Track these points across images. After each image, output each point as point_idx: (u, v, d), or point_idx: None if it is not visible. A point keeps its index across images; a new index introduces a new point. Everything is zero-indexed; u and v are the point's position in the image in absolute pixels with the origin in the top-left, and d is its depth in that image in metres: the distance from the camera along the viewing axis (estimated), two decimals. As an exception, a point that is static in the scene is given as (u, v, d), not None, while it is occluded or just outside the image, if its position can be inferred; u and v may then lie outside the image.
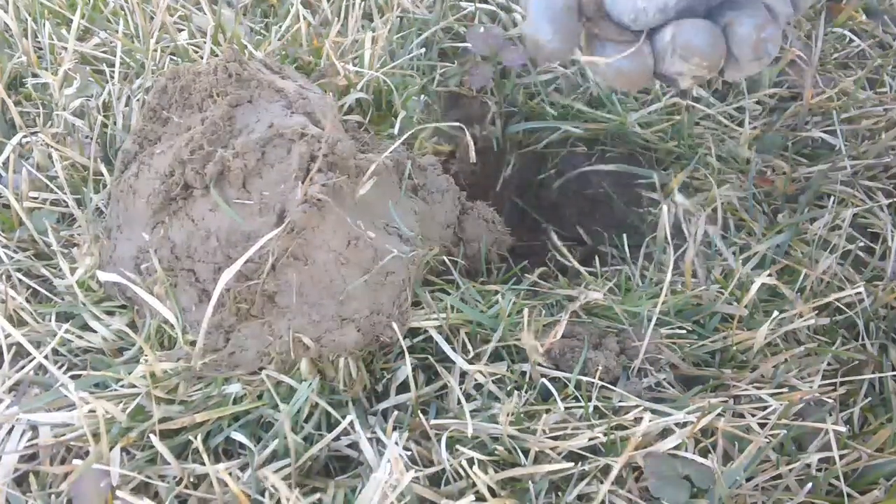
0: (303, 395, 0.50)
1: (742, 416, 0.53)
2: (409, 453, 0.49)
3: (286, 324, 0.51)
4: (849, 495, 0.50)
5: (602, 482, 0.48)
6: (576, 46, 0.43)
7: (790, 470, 0.51)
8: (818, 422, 0.53)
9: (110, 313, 0.57)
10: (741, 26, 0.40)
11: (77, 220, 0.62)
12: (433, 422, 0.51)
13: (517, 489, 0.49)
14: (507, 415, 0.51)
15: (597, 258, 0.69)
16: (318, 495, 0.47)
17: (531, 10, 0.42)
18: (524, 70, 0.83)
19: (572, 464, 0.48)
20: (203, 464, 0.47)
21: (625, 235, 0.69)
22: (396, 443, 0.48)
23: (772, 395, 0.54)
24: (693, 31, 0.40)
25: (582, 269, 0.65)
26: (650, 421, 0.50)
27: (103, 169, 0.65)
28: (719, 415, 0.52)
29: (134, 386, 0.51)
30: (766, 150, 0.78)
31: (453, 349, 0.55)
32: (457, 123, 0.72)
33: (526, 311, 0.55)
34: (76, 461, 0.47)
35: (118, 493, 0.46)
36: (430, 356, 0.55)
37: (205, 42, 0.78)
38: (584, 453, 0.50)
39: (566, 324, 0.58)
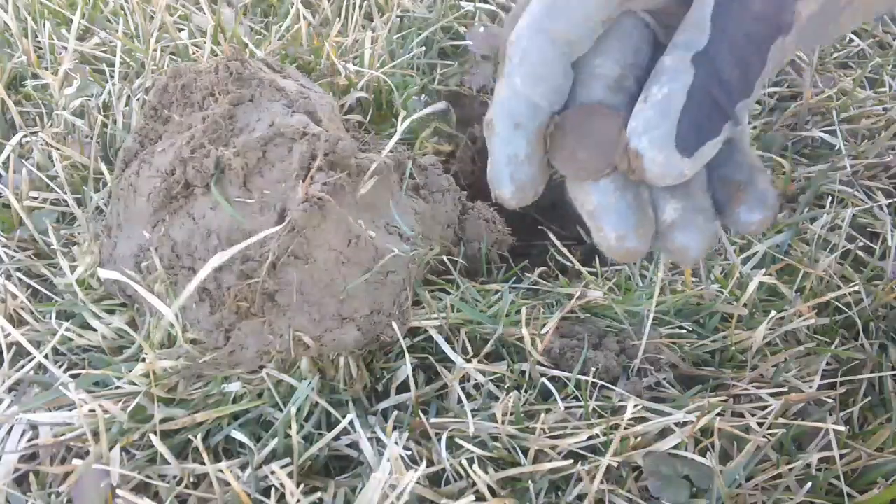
0: (303, 394, 0.50)
1: (742, 415, 0.53)
2: (409, 453, 0.49)
3: (286, 322, 0.51)
4: (849, 495, 0.50)
5: (602, 482, 0.49)
6: (539, 194, 0.38)
7: (790, 469, 0.51)
8: (818, 421, 0.53)
9: (110, 312, 0.57)
10: (749, 214, 0.37)
11: (77, 219, 0.62)
12: (433, 421, 0.51)
13: (517, 488, 0.49)
14: (505, 414, 0.51)
15: (597, 258, 0.69)
16: (318, 494, 0.47)
17: (492, 156, 0.37)
18: None
19: (571, 461, 0.48)
20: (203, 463, 0.47)
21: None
22: (396, 442, 0.48)
23: (771, 394, 0.54)
24: (691, 237, 0.36)
25: (582, 268, 0.65)
26: (650, 421, 0.50)
27: (103, 168, 0.65)
28: (719, 414, 0.52)
29: (134, 384, 0.51)
30: (766, 149, 0.78)
31: (453, 349, 0.55)
32: (443, 105, 0.72)
33: (524, 309, 0.55)
34: (76, 461, 0.47)
35: (118, 492, 0.46)
36: (430, 356, 0.55)
37: (205, 42, 0.78)
38: (584, 453, 0.50)
39: (566, 324, 0.58)
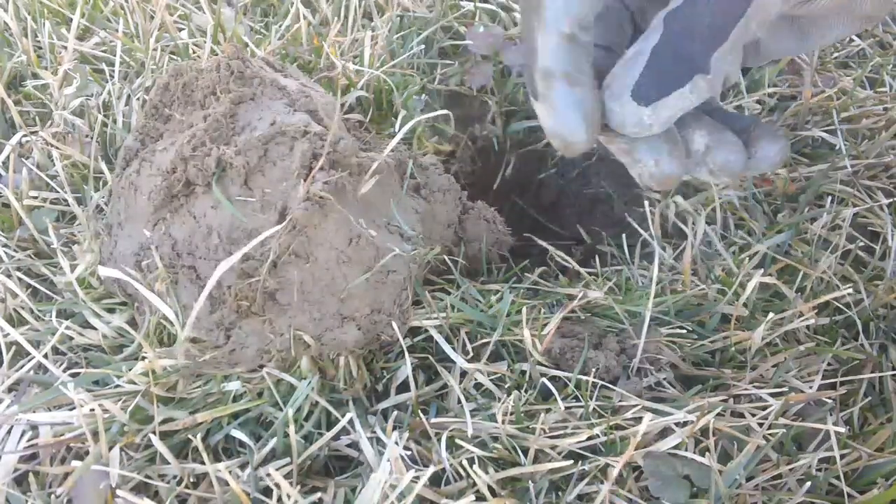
0: (303, 394, 0.50)
1: (742, 415, 0.53)
2: (409, 453, 0.49)
3: (287, 321, 0.51)
4: (849, 495, 0.50)
5: (602, 482, 0.48)
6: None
7: (790, 470, 0.51)
8: (818, 422, 0.53)
9: (110, 310, 0.57)
10: (770, 146, 0.41)
11: (77, 218, 0.62)
12: (433, 421, 0.51)
13: (517, 489, 0.48)
14: (505, 414, 0.51)
15: (597, 258, 0.69)
16: (318, 494, 0.47)
17: (556, 105, 0.40)
18: (524, 69, 0.83)
19: (572, 461, 0.48)
20: (203, 462, 0.47)
21: (624, 235, 0.69)
22: (396, 442, 0.48)
23: (771, 394, 0.54)
24: (729, 153, 0.40)
25: (581, 269, 0.65)
26: (650, 420, 0.50)
27: (104, 167, 0.65)
28: (719, 414, 0.52)
29: (134, 383, 0.51)
30: (766, 149, 0.78)
31: (453, 349, 0.55)
32: (445, 111, 0.72)
33: (525, 309, 0.55)
34: (75, 462, 0.47)
35: (118, 492, 0.46)
36: (430, 356, 0.55)
37: (205, 41, 0.78)
38: (584, 453, 0.50)
39: (567, 324, 0.58)
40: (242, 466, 0.49)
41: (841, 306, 0.64)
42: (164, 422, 0.49)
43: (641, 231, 0.69)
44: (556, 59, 0.39)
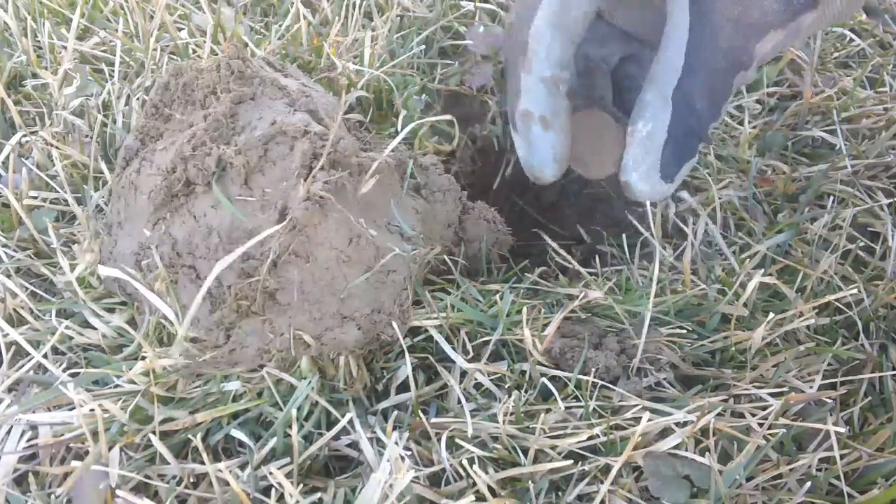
0: (303, 394, 0.50)
1: (742, 415, 0.53)
2: (409, 453, 0.49)
3: (287, 321, 0.51)
4: (849, 495, 0.50)
5: (602, 482, 0.48)
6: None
7: (790, 470, 0.51)
8: (818, 422, 0.53)
9: (110, 310, 0.57)
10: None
11: (77, 217, 0.62)
12: (433, 421, 0.51)
13: (517, 489, 0.48)
14: (506, 414, 0.51)
15: (597, 257, 0.69)
16: (318, 495, 0.47)
17: (531, 143, 0.45)
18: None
19: (572, 461, 0.48)
20: (203, 462, 0.47)
21: (624, 235, 0.69)
22: (396, 442, 0.48)
23: (771, 394, 0.54)
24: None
25: (582, 269, 0.65)
26: (650, 420, 0.50)
27: (103, 167, 0.65)
28: (719, 414, 0.52)
29: (133, 383, 0.51)
30: (767, 149, 0.78)
31: (453, 349, 0.55)
32: (449, 117, 0.72)
33: (525, 309, 0.55)
34: (75, 462, 0.47)
35: (118, 492, 0.46)
36: (430, 355, 0.55)
37: (205, 41, 0.78)
38: (584, 453, 0.50)
39: (567, 324, 0.58)
40: (242, 466, 0.49)
41: (841, 306, 0.63)
42: (163, 422, 0.49)
43: (642, 230, 0.69)
44: (535, 103, 0.43)
